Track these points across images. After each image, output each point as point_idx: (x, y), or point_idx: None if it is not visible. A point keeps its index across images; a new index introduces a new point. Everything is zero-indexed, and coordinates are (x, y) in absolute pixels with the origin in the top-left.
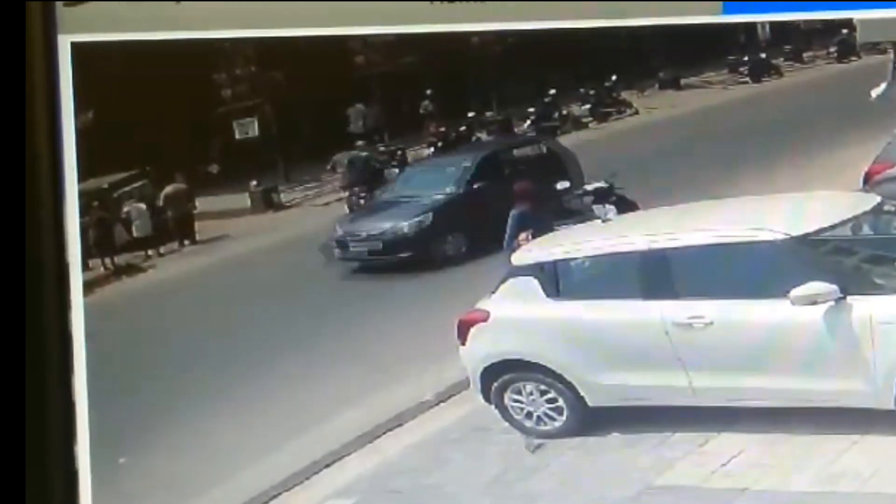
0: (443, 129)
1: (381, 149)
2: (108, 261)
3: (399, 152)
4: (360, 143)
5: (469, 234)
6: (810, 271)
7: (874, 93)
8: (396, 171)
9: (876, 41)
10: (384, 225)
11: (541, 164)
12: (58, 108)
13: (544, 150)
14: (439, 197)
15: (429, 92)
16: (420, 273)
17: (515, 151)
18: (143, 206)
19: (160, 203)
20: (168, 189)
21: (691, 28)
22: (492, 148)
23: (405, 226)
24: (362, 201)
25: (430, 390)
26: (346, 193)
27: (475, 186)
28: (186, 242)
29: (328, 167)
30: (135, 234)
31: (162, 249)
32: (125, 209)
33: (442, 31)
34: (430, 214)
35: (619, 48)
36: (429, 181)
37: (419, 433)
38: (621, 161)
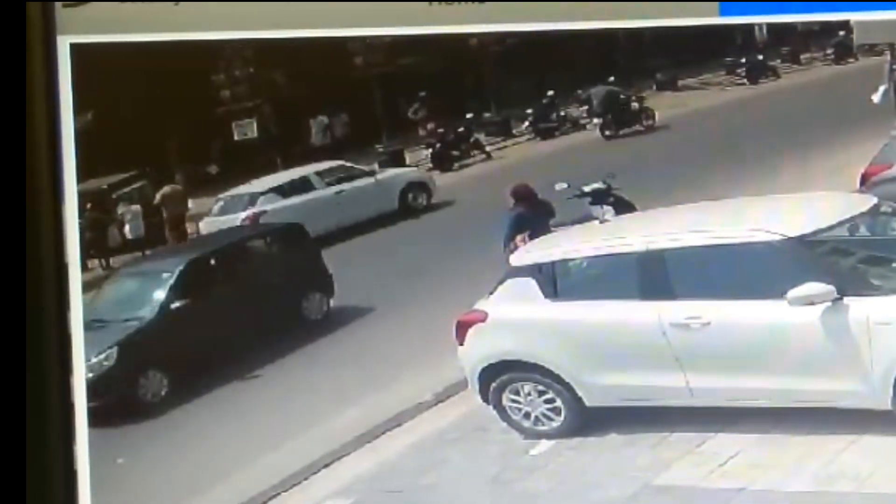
0: (441, 129)
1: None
2: (103, 262)
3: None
4: (611, 78)
5: (171, 370)
6: (807, 272)
7: (875, 97)
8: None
9: (873, 43)
10: None
11: (271, 262)
12: (57, 108)
13: (268, 241)
14: (130, 323)
15: (424, 94)
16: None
17: (236, 249)
18: (137, 207)
19: (156, 203)
20: (165, 189)
21: (689, 29)
22: (200, 251)
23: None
24: (609, 129)
25: (428, 391)
26: (600, 120)
27: (175, 306)
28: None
29: (583, 96)
30: (128, 235)
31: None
32: (120, 211)
33: (440, 32)
34: (116, 350)
35: (617, 50)
36: (124, 299)
37: (418, 433)
38: (619, 162)
